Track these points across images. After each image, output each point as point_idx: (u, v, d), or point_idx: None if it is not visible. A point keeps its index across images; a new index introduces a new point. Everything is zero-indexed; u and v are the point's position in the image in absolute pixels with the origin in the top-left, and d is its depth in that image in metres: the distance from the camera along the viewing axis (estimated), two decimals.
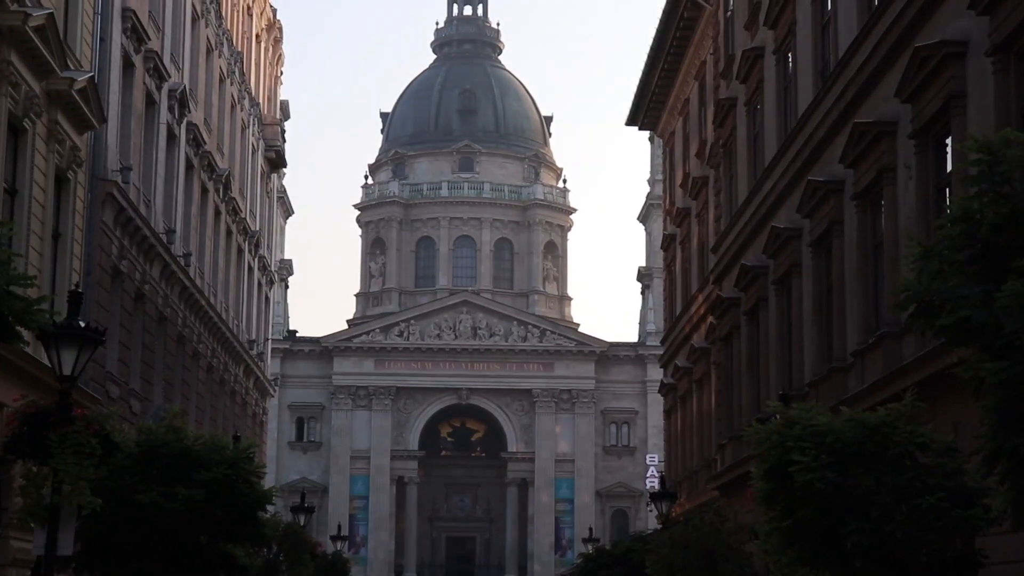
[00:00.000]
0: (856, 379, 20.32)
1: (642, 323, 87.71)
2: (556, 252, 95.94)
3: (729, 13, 31.34)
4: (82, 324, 14.69)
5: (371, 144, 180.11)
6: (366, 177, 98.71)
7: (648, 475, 75.99)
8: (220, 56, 39.70)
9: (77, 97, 21.92)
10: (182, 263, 33.21)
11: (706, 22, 34.13)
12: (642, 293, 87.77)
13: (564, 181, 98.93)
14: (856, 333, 20.51)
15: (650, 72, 39.67)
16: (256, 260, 48.08)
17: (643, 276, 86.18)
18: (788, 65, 25.37)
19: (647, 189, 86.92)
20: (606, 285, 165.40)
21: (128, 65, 28.33)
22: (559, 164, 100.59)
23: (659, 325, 75.86)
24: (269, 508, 17.88)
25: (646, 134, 72.99)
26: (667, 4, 35.71)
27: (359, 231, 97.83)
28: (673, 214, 40.31)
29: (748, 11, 28.62)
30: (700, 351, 34.37)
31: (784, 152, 24.83)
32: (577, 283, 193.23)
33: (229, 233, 41.82)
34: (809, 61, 23.53)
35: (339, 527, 48.35)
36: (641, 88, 41.21)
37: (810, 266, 23.25)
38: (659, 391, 44.14)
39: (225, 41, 40.42)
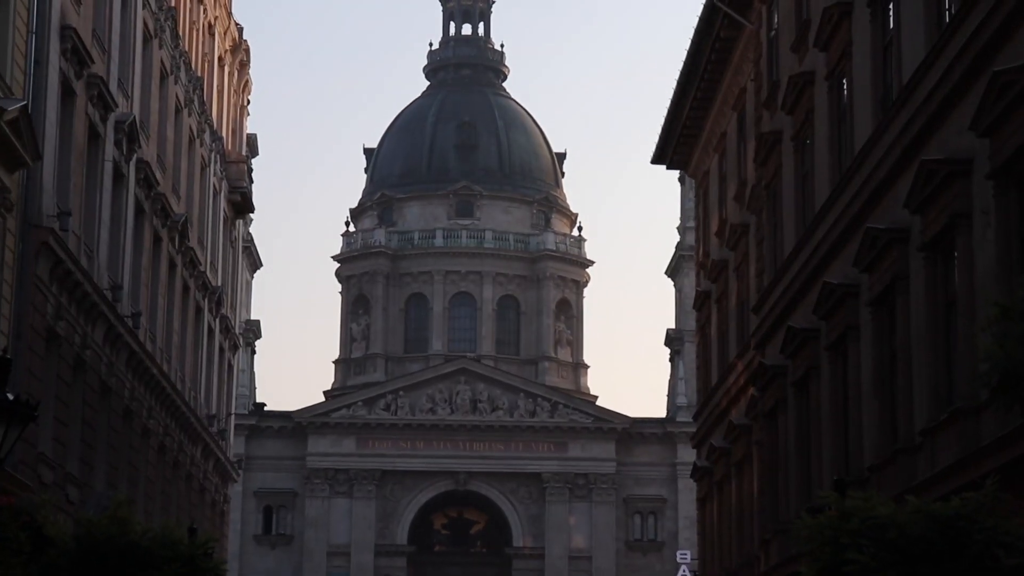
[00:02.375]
0: (925, 463, 20.17)
1: (671, 395, 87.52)
2: (570, 312, 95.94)
3: (773, 32, 31.42)
4: (10, 396, 14.60)
5: (353, 185, 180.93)
6: (347, 224, 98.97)
7: (679, 575, 75.58)
8: (176, 82, 39.84)
9: (7, 129, 21.95)
10: (130, 325, 33.16)
11: (746, 43, 34.22)
12: (671, 360, 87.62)
13: (579, 229, 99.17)
14: (925, 408, 20.37)
15: (680, 101, 39.75)
16: (218, 321, 48.05)
17: (672, 340, 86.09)
18: (843, 93, 25.38)
19: (677, 238, 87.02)
20: (629, 351, 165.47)
21: (68, 92, 28.38)
22: (573, 209, 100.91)
23: (691, 398, 75.67)
24: None
25: (675, 174, 72.81)
26: (700, 22, 35.83)
27: (339, 287, 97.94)
28: (707, 267, 40.27)
29: (795, 30, 28.69)
30: (740, 429, 34.21)
31: (838, 195, 24.80)
32: (595, 348, 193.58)
33: (186, 289, 41.80)
34: (868, 88, 23.54)
35: None
36: (669, 120, 41.28)
37: (870, 329, 23.14)
38: (691, 476, 43.92)
39: (182, 65, 40.60)
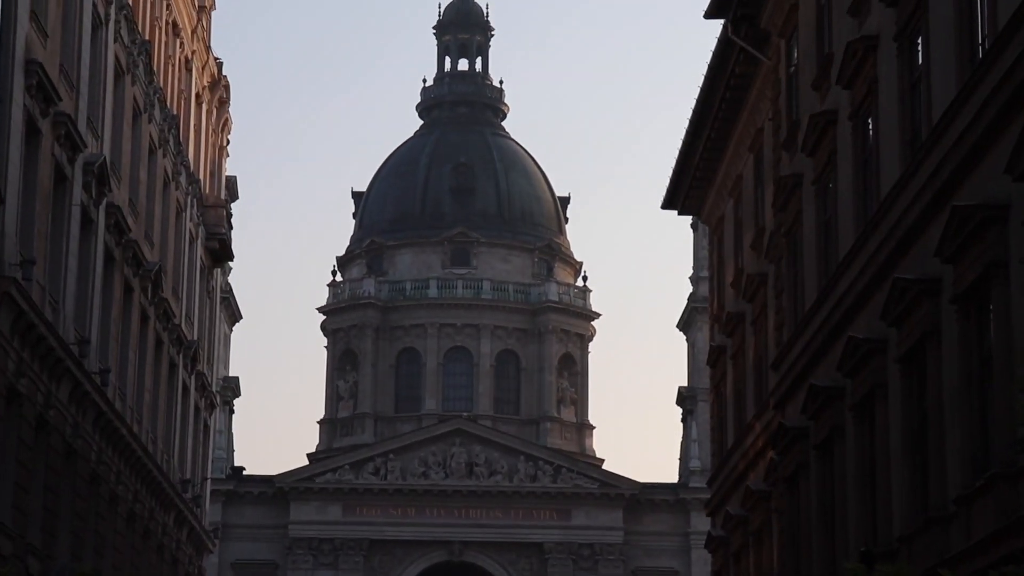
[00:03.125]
0: (960, 533, 20.05)
1: (683, 459, 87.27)
2: (574, 368, 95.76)
3: (793, 68, 31.47)
4: None
5: (340, 232, 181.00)
6: (334, 273, 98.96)
7: None
8: (150, 121, 39.90)
9: None
10: (98, 382, 33.07)
11: (763, 80, 34.25)
12: (683, 421, 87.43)
13: (584, 279, 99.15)
14: (959, 474, 20.26)
15: (693, 142, 39.77)
16: (193, 378, 47.95)
17: (684, 399, 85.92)
18: (868, 133, 25.38)
19: (689, 289, 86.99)
20: (637, 410, 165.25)
21: (32, 131, 28.40)
22: (578, 257, 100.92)
23: (705, 462, 75.44)
24: None
25: (687, 220, 72.86)
26: (714, 57, 35.88)
27: (324, 341, 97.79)
28: (722, 321, 40.20)
29: (817, 66, 28.72)
30: (758, 495, 34.06)
31: (864, 243, 24.76)
32: (601, 408, 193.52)
33: (159, 344, 41.74)
34: (895, 128, 23.53)
35: None
36: (681, 162, 41.29)
37: (899, 387, 23.05)
38: (705, 546, 43.71)
39: (157, 102, 40.68)
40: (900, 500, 22.96)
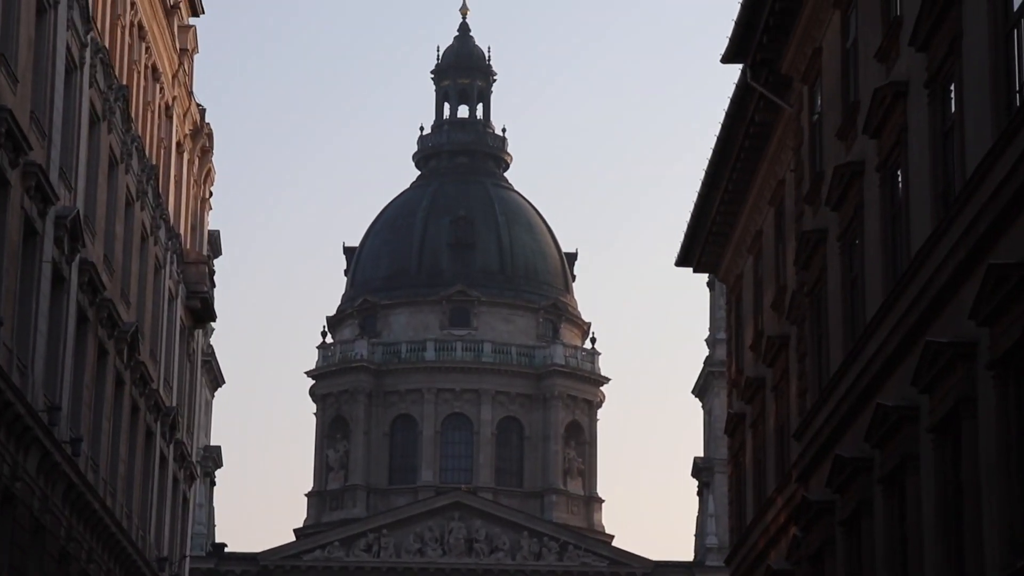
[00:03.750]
0: None
1: (699, 535, 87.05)
2: (582, 437, 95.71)
3: (816, 116, 31.51)
4: None
5: (331, 290, 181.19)
6: (324, 334, 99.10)
7: None
8: (127, 171, 39.96)
9: None
10: (68, 452, 32.98)
11: (784, 129, 34.30)
12: (699, 494, 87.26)
13: (593, 341, 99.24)
14: (998, 553, 20.14)
15: (709, 195, 39.81)
16: (172, 448, 47.84)
17: (700, 471, 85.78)
18: (897, 186, 25.37)
19: (705, 352, 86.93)
20: (650, 483, 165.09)
21: (1, 183, 28.39)
22: (585, 318, 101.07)
23: (722, 538, 75.16)
24: None
25: (703, 278, 72.86)
26: (731, 104, 35.95)
27: (313, 408, 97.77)
28: (741, 386, 40.12)
29: (842, 114, 28.75)
30: (780, 575, 33.90)
31: (893, 303, 24.71)
32: (610, 480, 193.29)
33: (135, 410, 41.65)
34: (927, 180, 23.51)
35: None
36: (696, 216, 41.31)
37: (931, 459, 22.95)
38: None
39: (135, 151, 40.75)
40: None
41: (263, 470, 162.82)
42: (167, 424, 46.41)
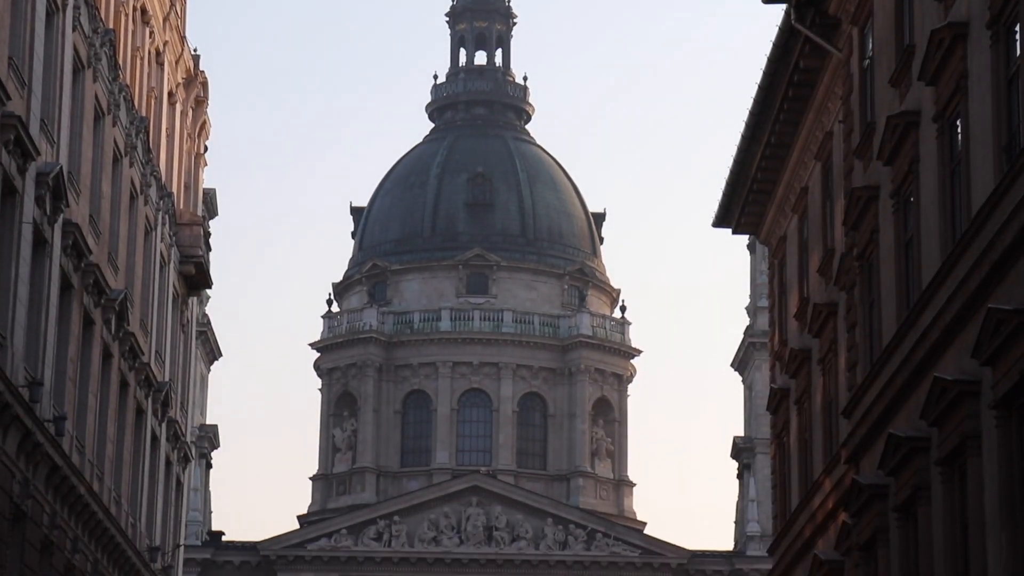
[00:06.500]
0: None
1: (739, 522, 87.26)
2: (611, 415, 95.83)
3: (867, 62, 31.45)
4: None
5: (338, 254, 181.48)
6: (329, 302, 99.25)
7: None
8: (115, 124, 40.00)
9: None
10: (51, 432, 33.09)
11: (832, 76, 34.25)
12: (739, 477, 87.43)
13: (623, 309, 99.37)
14: None
15: (749, 149, 39.77)
16: (164, 427, 47.97)
17: (740, 451, 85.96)
18: (956, 137, 25.32)
19: (745, 322, 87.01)
20: (685, 464, 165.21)
21: None
22: (615, 284, 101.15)
23: (765, 525, 75.28)
24: None
25: (743, 240, 72.72)
26: (774, 50, 35.86)
27: (318, 383, 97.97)
28: (785, 359, 40.15)
29: (896, 59, 28.70)
30: (828, 565, 33.98)
31: (952, 267, 24.68)
32: (642, 461, 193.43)
33: (124, 386, 41.77)
34: (988, 131, 23.45)
35: None
36: (736, 172, 41.28)
37: (994, 438, 22.94)
38: None
39: (123, 102, 40.79)
40: (996, 571, 22.86)
41: (263, 451, 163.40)
42: (159, 401, 46.51)
